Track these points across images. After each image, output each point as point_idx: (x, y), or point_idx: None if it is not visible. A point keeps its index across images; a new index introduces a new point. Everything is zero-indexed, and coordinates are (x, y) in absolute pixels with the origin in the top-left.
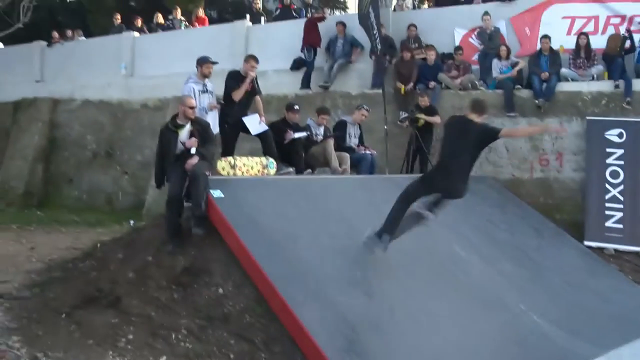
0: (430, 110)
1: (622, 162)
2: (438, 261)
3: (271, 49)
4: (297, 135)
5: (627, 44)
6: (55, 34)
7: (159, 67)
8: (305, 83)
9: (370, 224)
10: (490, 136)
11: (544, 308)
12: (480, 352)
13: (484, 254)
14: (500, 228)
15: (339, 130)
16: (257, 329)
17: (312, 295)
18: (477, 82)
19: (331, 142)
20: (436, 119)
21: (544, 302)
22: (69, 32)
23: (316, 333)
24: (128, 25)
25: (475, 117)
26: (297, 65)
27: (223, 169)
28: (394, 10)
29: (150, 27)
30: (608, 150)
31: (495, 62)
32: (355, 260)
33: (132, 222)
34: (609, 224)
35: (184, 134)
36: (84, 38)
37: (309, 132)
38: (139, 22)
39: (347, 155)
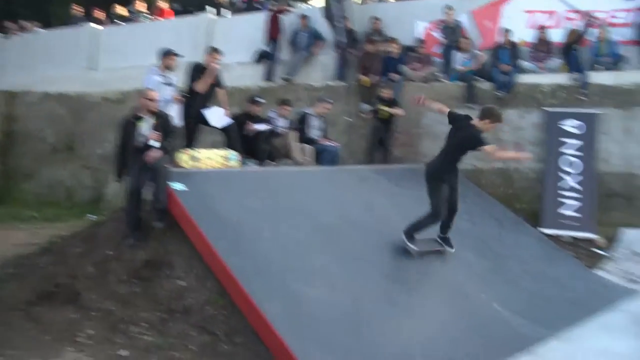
0: (393, 103)
1: (578, 153)
2: (401, 252)
3: (235, 41)
4: (259, 127)
5: (587, 32)
6: (12, 25)
7: (121, 60)
8: (269, 75)
9: (333, 215)
10: (473, 144)
11: (504, 297)
12: (442, 342)
13: None
14: (462, 218)
15: (301, 122)
16: (219, 321)
17: (274, 288)
18: (439, 75)
19: (294, 134)
20: (398, 111)
21: (504, 290)
22: (25, 24)
23: (279, 325)
24: (88, 17)
25: (475, 121)
26: (260, 57)
27: (185, 161)
28: (358, 3)
29: (111, 18)
30: (565, 140)
31: (456, 54)
32: (319, 252)
33: (91, 216)
34: (566, 212)
35: (145, 126)
36: (42, 29)
37: (271, 125)
38: (100, 14)
39: (309, 147)
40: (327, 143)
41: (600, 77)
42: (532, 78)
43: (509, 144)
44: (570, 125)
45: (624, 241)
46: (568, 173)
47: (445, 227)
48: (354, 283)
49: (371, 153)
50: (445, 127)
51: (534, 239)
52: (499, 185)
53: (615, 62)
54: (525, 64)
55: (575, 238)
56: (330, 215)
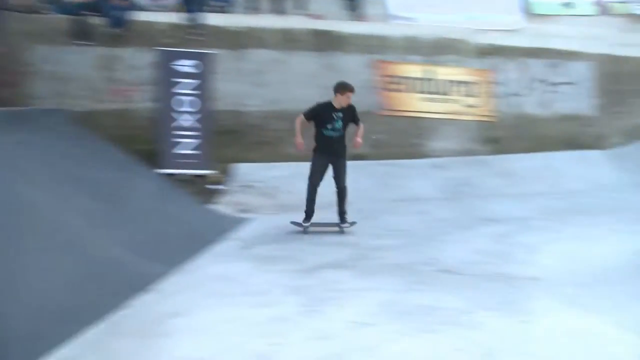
0: None
1: (195, 92)
2: (10, 209)
3: None
4: None
5: None
6: None
7: None
8: None
9: None
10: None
11: (122, 239)
12: (58, 292)
13: (60, 193)
14: (76, 163)
15: None
16: None
17: None
18: (44, 6)
19: None
20: None
21: (123, 233)
22: None
23: None
24: None
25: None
26: None
27: None
28: None
29: None
30: (180, 80)
31: None
32: None
33: None
34: (182, 151)
35: None
36: None
37: None
38: None
39: None
40: None
41: (213, 19)
42: (148, 16)
43: (125, 83)
44: (184, 65)
45: (236, 175)
46: (184, 113)
47: (339, 213)
48: None
49: None
50: (54, 66)
51: (150, 180)
52: (115, 126)
53: (223, 5)
54: (141, 1)
55: (195, 176)
56: None
